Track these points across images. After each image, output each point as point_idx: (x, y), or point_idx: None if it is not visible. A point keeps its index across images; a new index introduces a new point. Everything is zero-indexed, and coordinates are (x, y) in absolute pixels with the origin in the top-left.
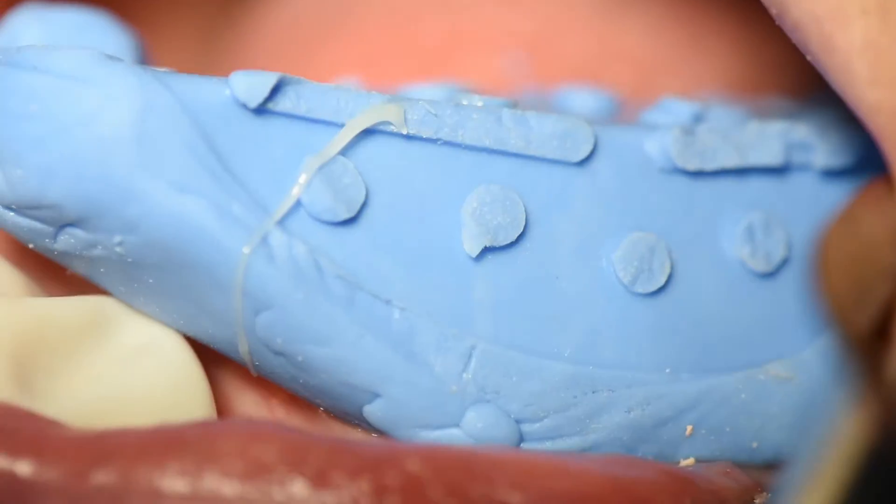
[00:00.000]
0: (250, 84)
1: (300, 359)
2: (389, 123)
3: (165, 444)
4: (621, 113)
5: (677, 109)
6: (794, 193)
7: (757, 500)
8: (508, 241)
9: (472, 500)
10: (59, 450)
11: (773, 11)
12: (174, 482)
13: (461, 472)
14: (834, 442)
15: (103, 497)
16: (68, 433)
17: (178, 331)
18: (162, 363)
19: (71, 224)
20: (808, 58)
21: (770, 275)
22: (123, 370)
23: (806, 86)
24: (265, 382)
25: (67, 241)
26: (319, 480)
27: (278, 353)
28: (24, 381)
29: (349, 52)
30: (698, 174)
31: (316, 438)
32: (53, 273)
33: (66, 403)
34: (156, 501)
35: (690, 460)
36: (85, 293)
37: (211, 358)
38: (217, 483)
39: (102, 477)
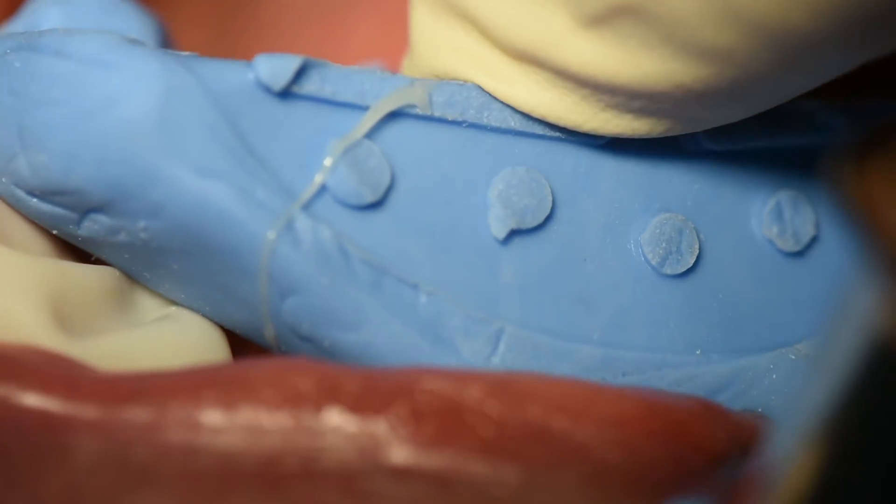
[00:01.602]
0: (274, 67)
1: (327, 344)
2: (414, 106)
3: (200, 378)
4: None
5: None
6: (822, 172)
7: None
8: (535, 224)
9: (509, 426)
10: (92, 387)
11: None
12: (211, 413)
13: (497, 395)
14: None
15: (139, 431)
16: (101, 373)
17: (205, 315)
18: (184, 328)
19: (95, 209)
20: None
21: (799, 254)
22: (147, 333)
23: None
24: None
25: (91, 226)
26: (356, 406)
27: (305, 339)
28: (61, 334)
29: (371, 32)
30: (725, 154)
31: (349, 368)
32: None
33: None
34: (192, 433)
35: None
36: None
37: (234, 343)
38: (254, 413)
39: (137, 411)
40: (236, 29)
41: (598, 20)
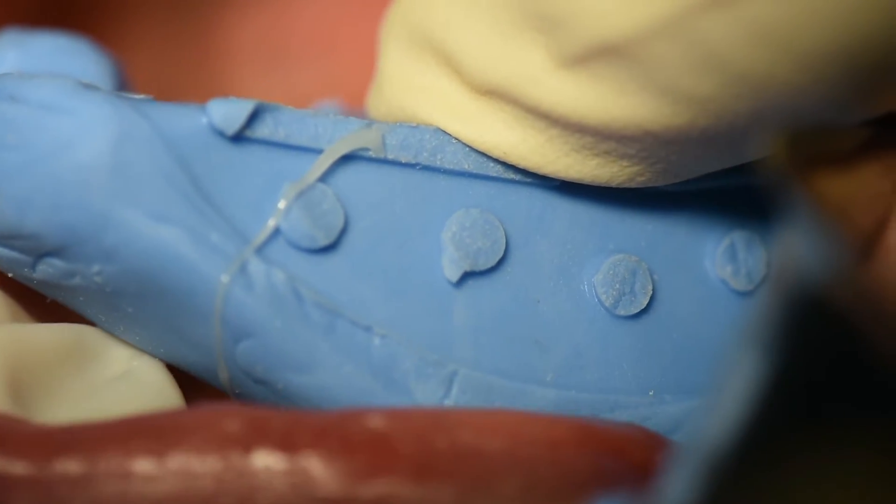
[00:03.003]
0: (227, 111)
1: (280, 386)
2: (368, 149)
3: (130, 428)
4: None
5: None
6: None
7: None
8: (489, 266)
9: (441, 450)
10: (23, 441)
11: None
12: (142, 462)
13: (428, 425)
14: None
15: (71, 484)
16: (32, 427)
17: (159, 358)
18: (141, 391)
19: (49, 254)
20: None
21: (752, 293)
22: (102, 397)
23: None
24: None
25: (46, 270)
26: (285, 444)
27: (259, 381)
28: (15, 402)
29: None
30: (679, 194)
31: (277, 410)
32: (37, 297)
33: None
34: (125, 483)
35: None
36: (68, 317)
37: (190, 385)
38: (185, 458)
39: (68, 464)
40: (192, 65)
41: (577, 60)
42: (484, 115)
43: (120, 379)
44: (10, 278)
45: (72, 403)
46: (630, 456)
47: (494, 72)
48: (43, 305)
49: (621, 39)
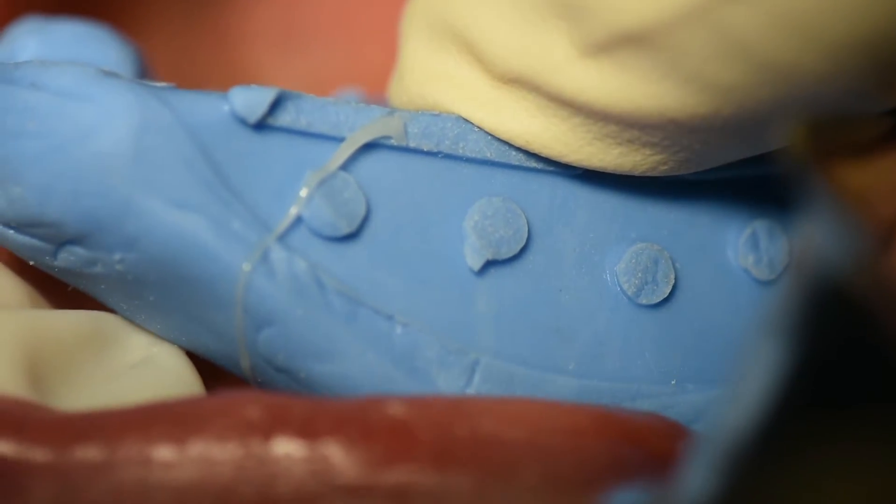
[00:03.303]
0: (249, 99)
1: (302, 375)
2: (390, 137)
3: (150, 415)
4: None
5: None
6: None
7: None
8: (511, 255)
9: (461, 438)
10: (43, 428)
11: None
12: (161, 449)
13: (448, 413)
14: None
15: (92, 470)
16: (52, 414)
17: (180, 346)
18: (160, 377)
19: (71, 242)
20: None
21: (774, 283)
22: (122, 384)
23: None
24: None
25: (67, 258)
26: (305, 431)
27: (280, 370)
28: (34, 388)
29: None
30: (701, 183)
31: (297, 397)
32: (57, 285)
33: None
34: (144, 470)
35: None
36: (89, 306)
37: (211, 372)
38: (205, 445)
39: (88, 450)
40: (212, 50)
41: (601, 48)
42: (506, 103)
43: (139, 365)
44: (31, 266)
45: (91, 390)
46: (650, 445)
47: (517, 60)
48: (64, 293)
49: (646, 27)
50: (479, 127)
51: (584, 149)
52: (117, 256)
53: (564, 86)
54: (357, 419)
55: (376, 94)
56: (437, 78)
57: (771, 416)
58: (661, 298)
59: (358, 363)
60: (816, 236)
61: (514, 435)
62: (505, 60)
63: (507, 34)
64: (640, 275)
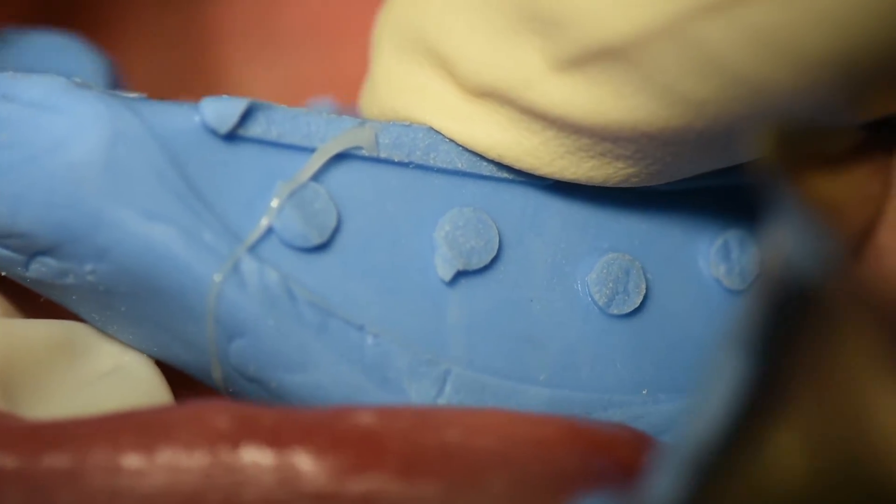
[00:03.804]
0: (220, 110)
1: (274, 385)
2: (361, 148)
3: (118, 423)
4: None
5: None
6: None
7: None
8: (482, 265)
9: (429, 447)
10: (10, 435)
11: None
12: (130, 457)
13: (417, 423)
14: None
15: (59, 477)
16: (20, 421)
17: (152, 357)
18: (130, 387)
19: (42, 252)
20: None
21: (745, 292)
22: (92, 393)
23: None
24: None
25: (39, 269)
26: (273, 440)
27: (252, 380)
28: (4, 398)
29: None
30: (673, 193)
31: (265, 407)
32: (29, 296)
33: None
34: (113, 477)
35: None
36: (62, 315)
37: (180, 382)
38: (173, 453)
39: (57, 458)
40: (186, 57)
41: (574, 63)
42: (478, 117)
43: (109, 375)
44: (2, 277)
45: (61, 398)
46: (618, 455)
47: (489, 74)
48: (36, 304)
49: (619, 42)
50: (450, 138)
51: (557, 162)
52: (89, 267)
53: (537, 100)
54: (325, 428)
55: (352, 101)
56: (409, 90)
57: (734, 427)
58: (632, 308)
59: (329, 373)
60: (785, 245)
61: (481, 444)
62: (477, 74)
63: (480, 48)
64: (611, 285)
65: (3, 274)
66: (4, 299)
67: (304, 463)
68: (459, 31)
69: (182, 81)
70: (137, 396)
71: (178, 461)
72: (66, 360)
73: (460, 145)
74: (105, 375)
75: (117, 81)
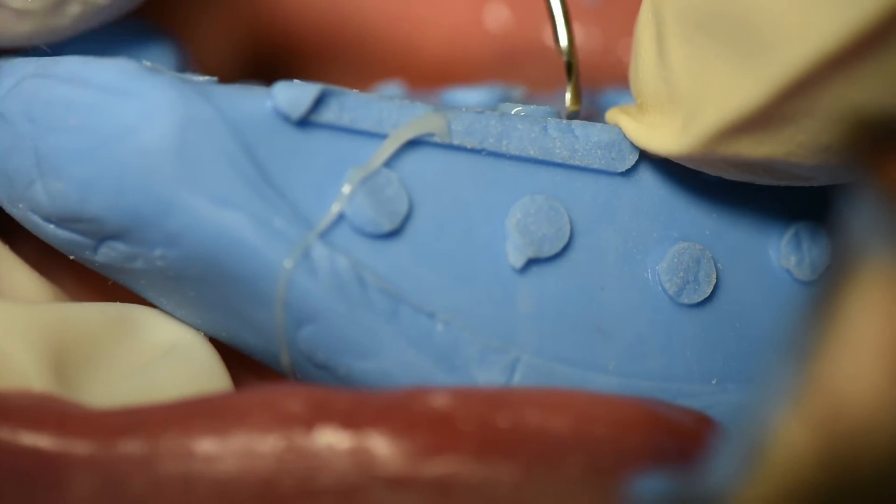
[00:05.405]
0: (292, 95)
1: (342, 372)
2: (433, 134)
3: (191, 408)
4: None
5: None
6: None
7: None
8: (553, 253)
9: (504, 429)
10: (84, 423)
11: None
12: (203, 442)
13: (491, 404)
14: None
15: (133, 464)
16: (93, 410)
17: (220, 341)
18: (187, 366)
19: (111, 237)
20: None
21: (816, 283)
22: (149, 373)
23: None
24: None
25: (108, 253)
26: (347, 423)
27: (320, 367)
28: (60, 381)
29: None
30: (744, 183)
31: (338, 389)
32: (84, 287)
33: (93, 404)
34: (186, 463)
35: None
36: (126, 300)
37: (235, 362)
38: (246, 438)
39: (130, 444)
40: (254, 46)
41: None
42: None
43: (165, 357)
44: (57, 265)
45: (118, 380)
46: (691, 442)
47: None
48: (92, 294)
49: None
50: (522, 125)
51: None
52: (158, 252)
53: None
54: (399, 411)
55: (422, 86)
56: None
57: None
58: (702, 298)
59: (398, 360)
60: (860, 236)
61: (557, 425)
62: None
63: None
64: (681, 274)
65: (72, 258)
66: (59, 290)
67: (380, 446)
68: None
69: (252, 65)
70: (194, 377)
71: (252, 446)
72: (122, 341)
73: (532, 131)
74: (162, 356)
75: (186, 65)
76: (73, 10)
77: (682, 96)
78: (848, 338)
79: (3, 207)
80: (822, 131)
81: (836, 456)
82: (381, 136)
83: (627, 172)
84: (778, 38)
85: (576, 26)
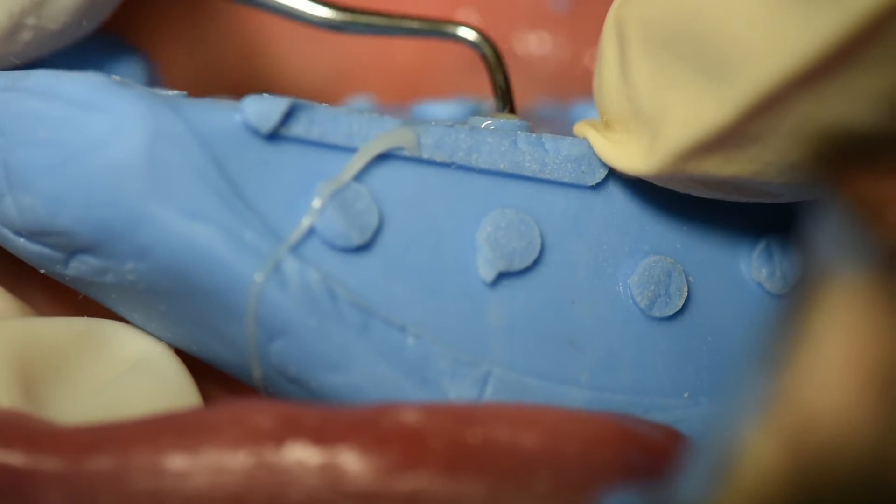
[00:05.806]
0: (262, 109)
1: (314, 386)
2: (403, 148)
3: (161, 424)
4: None
5: None
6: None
7: None
8: (524, 266)
9: (474, 445)
10: (53, 440)
11: None
12: (173, 458)
13: (461, 420)
14: None
15: (103, 480)
16: (62, 427)
17: (190, 355)
18: (155, 380)
19: (82, 251)
20: None
21: (786, 296)
22: (117, 388)
23: None
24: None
25: (79, 267)
26: (317, 439)
27: (292, 381)
28: (28, 397)
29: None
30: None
31: (307, 404)
32: (54, 302)
33: (60, 419)
34: (156, 479)
35: None
36: (96, 315)
37: (203, 375)
38: (216, 454)
39: (100, 461)
40: (223, 60)
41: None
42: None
43: (133, 371)
44: (25, 281)
45: (86, 395)
46: (660, 457)
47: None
48: (61, 308)
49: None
50: (491, 139)
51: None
52: (129, 266)
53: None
54: (369, 426)
55: (394, 97)
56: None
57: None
58: (673, 311)
59: (369, 374)
60: (827, 248)
61: (527, 441)
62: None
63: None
64: (652, 287)
65: (43, 271)
66: (25, 305)
67: (350, 462)
68: None
69: (221, 78)
70: (165, 392)
71: (222, 462)
72: (89, 356)
73: (502, 145)
74: (130, 370)
75: (155, 79)
76: (25, 36)
77: (647, 115)
78: (816, 353)
79: None
80: (789, 150)
81: (804, 471)
82: (351, 150)
83: (598, 186)
84: (742, 58)
85: (544, 36)
